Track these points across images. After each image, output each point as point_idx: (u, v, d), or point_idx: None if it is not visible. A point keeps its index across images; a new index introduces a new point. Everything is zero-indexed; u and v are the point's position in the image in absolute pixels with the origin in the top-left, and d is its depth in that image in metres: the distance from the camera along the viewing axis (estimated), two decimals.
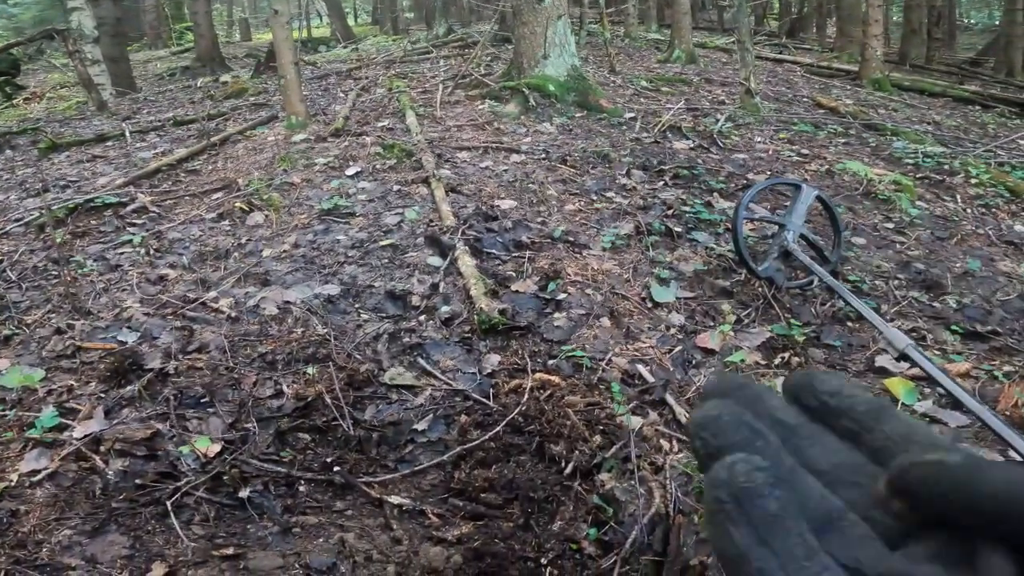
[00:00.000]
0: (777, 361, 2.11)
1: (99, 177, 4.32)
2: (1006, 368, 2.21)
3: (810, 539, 0.22)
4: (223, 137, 4.88)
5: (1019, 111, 7.32)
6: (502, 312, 2.23)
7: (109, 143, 5.33)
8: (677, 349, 2.14)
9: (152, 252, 3.04)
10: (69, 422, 1.93)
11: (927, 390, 2.06)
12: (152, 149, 4.95)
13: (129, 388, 2.09)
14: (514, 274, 2.55)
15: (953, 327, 2.42)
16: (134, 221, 3.44)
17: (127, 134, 5.41)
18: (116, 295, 2.70)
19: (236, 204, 3.44)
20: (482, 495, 1.72)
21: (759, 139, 4.59)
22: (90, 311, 2.58)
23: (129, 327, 2.43)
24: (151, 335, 2.37)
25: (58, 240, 3.23)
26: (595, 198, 3.31)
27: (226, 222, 3.28)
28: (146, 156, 4.72)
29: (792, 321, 2.31)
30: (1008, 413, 2.02)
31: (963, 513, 0.21)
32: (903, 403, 1.99)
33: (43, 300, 2.68)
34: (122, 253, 3.09)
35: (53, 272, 2.94)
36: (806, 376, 0.27)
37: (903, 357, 1.75)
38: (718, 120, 4.83)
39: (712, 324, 2.28)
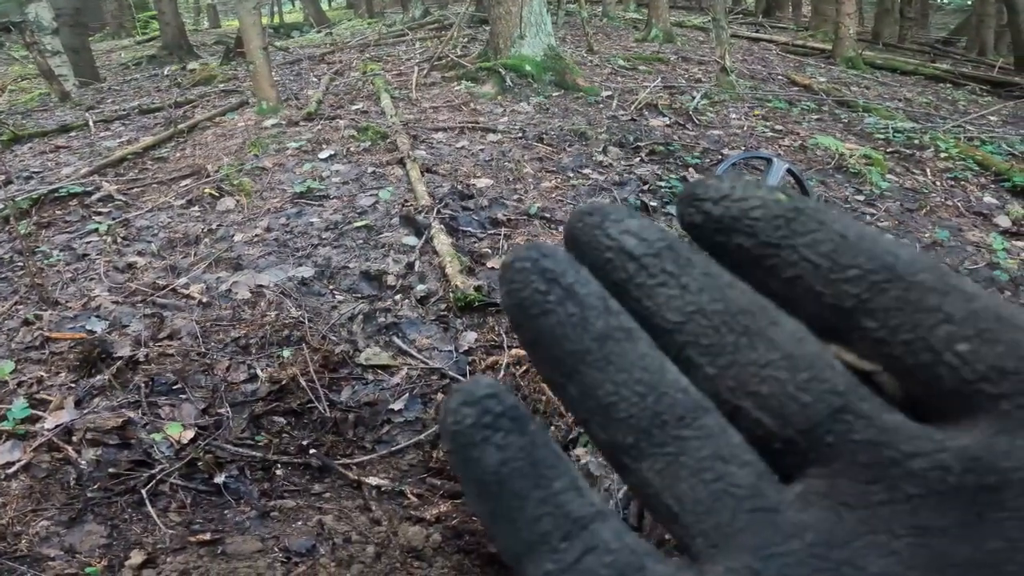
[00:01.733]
0: None
1: (63, 167, 4.20)
2: None
3: (568, 503, 0.14)
4: (191, 124, 4.77)
5: (989, 89, 7.43)
6: (478, 289, 2.23)
7: (73, 133, 5.18)
8: None
9: (120, 240, 2.98)
10: (41, 413, 1.90)
11: None
12: (117, 138, 4.82)
13: (99, 377, 2.05)
14: (490, 251, 2.54)
15: None
16: (100, 210, 3.36)
17: (91, 124, 5.27)
18: (84, 284, 2.65)
19: (206, 190, 3.37)
20: None
21: (734, 116, 4.61)
22: (58, 301, 2.53)
23: (98, 316, 2.38)
24: (120, 323, 2.32)
25: (23, 231, 3.14)
26: (571, 175, 3.30)
27: (196, 208, 3.22)
28: (111, 145, 4.60)
29: None
30: None
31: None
32: None
33: (10, 292, 2.62)
34: (89, 242, 3.02)
35: (19, 263, 2.86)
36: (688, 185, 0.17)
37: None
38: (694, 98, 4.84)
39: None
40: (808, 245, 0.15)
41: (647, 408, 0.15)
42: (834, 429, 0.14)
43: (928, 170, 3.88)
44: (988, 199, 3.60)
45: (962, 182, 3.78)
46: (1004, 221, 3.33)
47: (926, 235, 3.00)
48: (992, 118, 5.68)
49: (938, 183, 3.73)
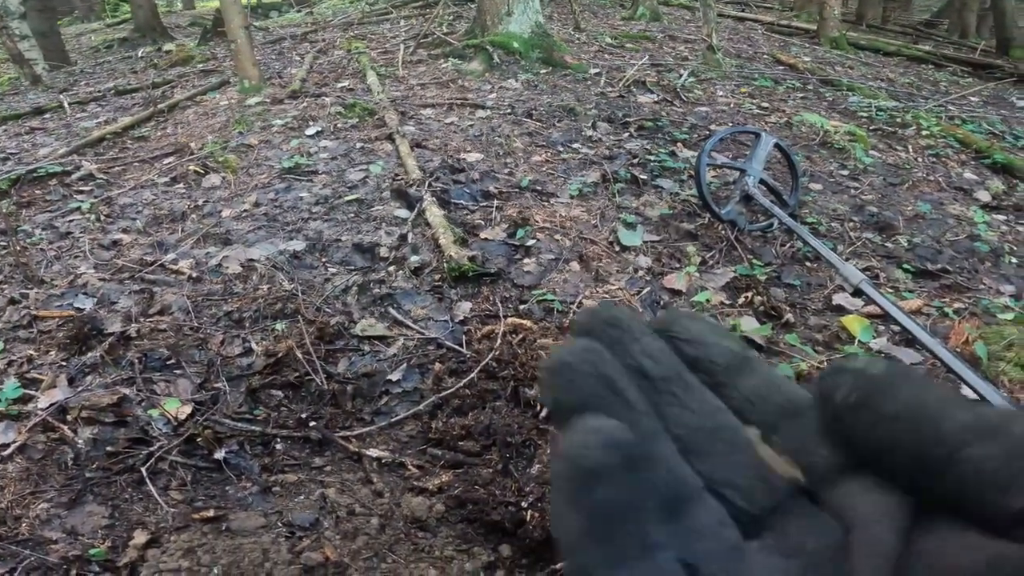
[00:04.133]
0: (741, 300, 2.17)
1: (40, 148, 4.10)
2: (956, 305, 2.31)
3: (649, 534, 0.18)
4: (172, 103, 4.66)
5: (971, 71, 7.51)
6: (472, 259, 2.23)
7: (48, 115, 5.04)
8: (645, 291, 2.18)
9: (103, 218, 2.92)
10: (33, 393, 1.86)
11: (881, 327, 2.14)
12: (94, 119, 4.71)
13: (91, 355, 2.02)
14: (483, 223, 2.54)
15: (905, 266, 2.52)
16: (81, 189, 3.29)
17: (66, 105, 5.13)
18: (69, 262, 2.60)
19: (190, 167, 3.31)
20: (460, 443, 1.73)
21: (721, 93, 4.62)
22: (43, 280, 2.48)
23: (85, 293, 2.34)
24: (109, 300, 2.29)
25: (3, 211, 3.06)
26: (561, 149, 3.30)
27: (180, 185, 3.16)
28: (88, 125, 4.49)
29: (754, 262, 2.37)
30: (959, 349, 2.12)
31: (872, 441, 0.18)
32: (859, 340, 2.07)
33: None
34: (71, 220, 2.95)
35: (1, 243, 2.80)
36: (668, 316, 0.23)
37: (858, 292, 1.82)
38: (681, 75, 4.84)
39: (678, 266, 2.32)
40: (743, 387, 0.23)
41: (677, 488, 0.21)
42: (780, 509, 0.21)
43: (910, 147, 3.94)
44: (968, 175, 3.66)
45: (943, 159, 3.84)
46: (984, 196, 3.40)
47: (909, 208, 3.05)
48: (973, 99, 5.76)
49: (920, 159, 3.79)
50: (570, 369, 0.20)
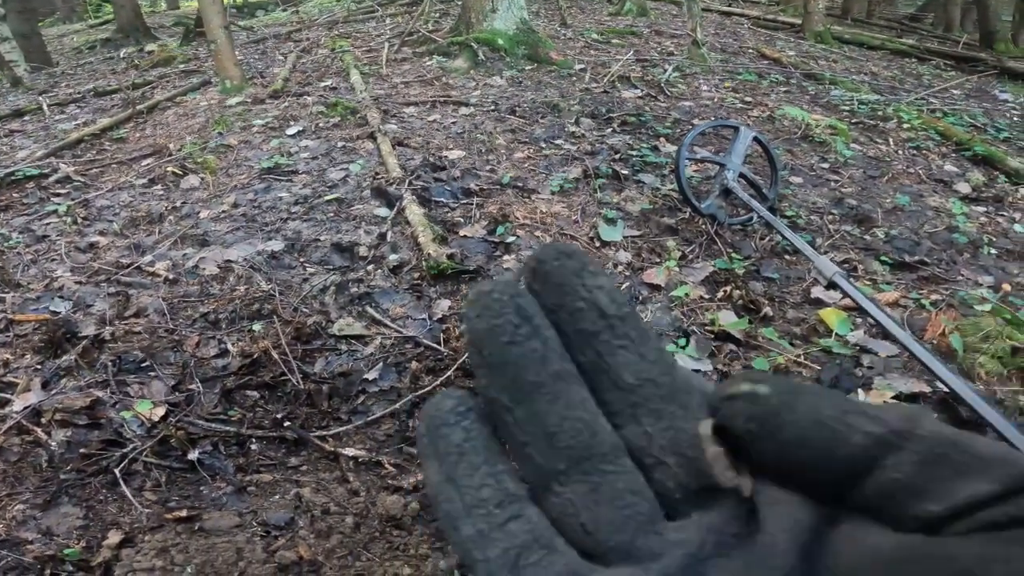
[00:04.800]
0: (720, 294, 2.17)
1: (18, 151, 4.05)
2: (933, 297, 2.32)
3: (507, 482, 0.18)
4: (151, 104, 4.62)
5: (954, 64, 7.57)
6: (451, 257, 2.22)
7: (27, 117, 4.99)
8: (625, 286, 2.18)
9: (80, 221, 2.89)
10: (8, 396, 1.85)
11: (859, 320, 2.15)
12: (73, 120, 4.66)
13: (65, 358, 2.00)
14: (463, 220, 2.53)
15: (883, 258, 2.53)
16: (58, 191, 3.25)
17: (45, 107, 5.08)
18: (45, 266, 2.57)
19: (168, 169, 3.28)
20: None
21: (705, 88, 4.63)
22: (20, 283, 2.45)
23: (61, 296, 2.32)
24: (85, 303, 2.26)
25: None
26: (544, 146, 3.29)
27: (158, 187, 3.13)
28: (67, 127, 4.44)
29: (734, 256, 2.37)
30: (935, 341, 2.13)
31: (774, 459, 0.17)
32: (837, 333, 2.08)
33: None
34: (48, 223, 2.92)
35: None
36: (541, 252, 0.20)
37: (832, 285, 1.82)
38: (666, 70, 4.84)
39: (658, 261, 2.32)
40: (629, 353, 0.20)
41: (583, 442, 0.18)
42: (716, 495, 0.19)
43: (891, 140, 3.96)
44: (949, 167, 3.69)
45: (924, 151, 3.86)
46: (964, 187, 3.43)
47: (887, 201, 3.07)
48: (955, 92, 5.81)
49: (900, 152, 3.81)
50: (488, 296, 0.19)
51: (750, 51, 6.52)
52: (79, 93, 5.57)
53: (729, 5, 10.86)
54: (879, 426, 0.16)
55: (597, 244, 2.40)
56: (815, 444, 0.16)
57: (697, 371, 1.87)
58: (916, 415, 0.17)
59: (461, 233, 2.43)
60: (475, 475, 0.18)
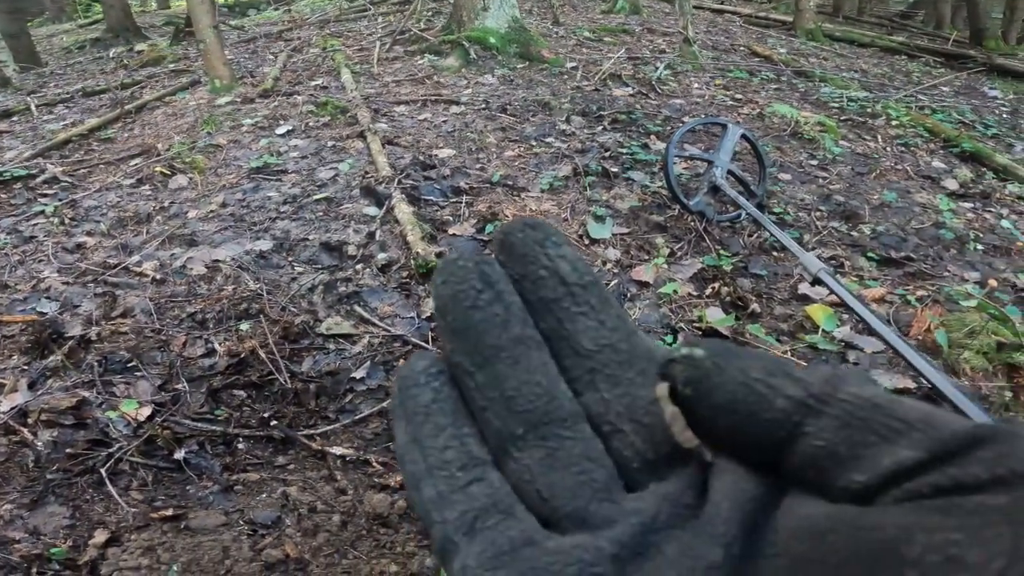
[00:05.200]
0: (708, 291, 2.18)
1: (6, 151, 4.03)
2: (919, 293, 2.34)
3: (471, 445, 0.18)
4: (139, 104, 4.60)
5: (943, 61, 7.60)
6: (440, 255, 2.22)
7: (15, 118, 4.96)
8: (613, 283, 2.18)
9: (67, 221, 2.87)
10: None
11: (846, 316, 2.16)
12: (61, 121, 4.64)
13: (52, 358, 1.99)
14: (452, 219, 2.53)
15: (869, 254, 2.54)
16: (45, 192, 3.24)
17: (33, 108, 5.04)
18: (32, 266, 2.56)
19: (156, 169, 3.26)
20: None
21: (696, 85, 4.64)
22: (7, 284, 2.44)
23: (48, 297, 2.31)
24: (71, 303, 2.25)
25: None
26: (534, 144, 3.29)
27: (146, 187, 3.12)
28: (55, 128, 4.42)
29: (722, 252, 2.38)
30: (921, 337, 2.14)
31: (706, 425, 0.17)
32: (823, 329, 2.09)
33: None
34: (35, 224, 2.91)
35: None
36: (506, 226, 0.20)
37: (817, 281, 1.83)
38: (657, 68, 4.85)
39: (647, 258, 2.33)
40: (589, 320, 0.20)
41: (540, 407, 0.18)
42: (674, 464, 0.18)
43: (879, 137, 3.98)
44: (936, 164, 3.71)
45: (912, 148, 3.89)
46: (951, 184, 3.45)
47: (875, 197, 3.08)
48: (944, 88, 5.84)
49: (888, 149, 3.83)
50: (454, 264, 0.19)
51: (741, 49, 6.54)
52: (67, 93, 5.54)
53: (721, 3, 10.88)
54: (800, 389, 0.16)
55: (586, 242, 2.41)
56: (742, 408, 0.16)
57: None
58: (840, 377, 0.16)
59: (450, 232, 2.43)
60: (440, 436, 0.18)
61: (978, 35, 8.52)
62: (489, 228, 2.45)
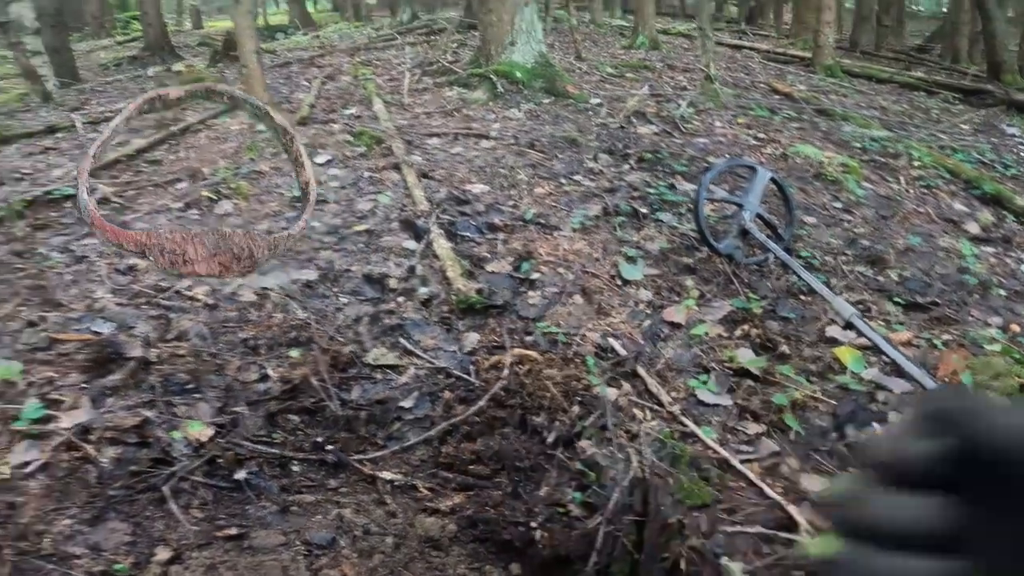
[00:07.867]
0: (738, 333, 2.26)
1: (54, 169, 4.19)
2: (945, 337, 2.40)
3: None
4: (184, 127, 4.78)
5: (962, 97, 7.68)
6: (479, 292, 2.32)
7: (60, 135, 5.15)
8: (646, 323, 2.27)
9: None
10: (55, 413, 1.93)
11: (873, 358, 2.23)
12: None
13: (112, 377, 2.09)
14: (488, 255, 2.63)
15: (895, 298, 2.62)
16: None
17: (79, 125, 5.23)
18: (86, 286, 2.68)
19: (203, 193, 3.41)
20: (470, 467, 1.80)
21: (719, 124, 4.76)
22: (61, 303, 2.56)
23: (103, 317, 2.42)
24: (127, 325, 2.36)
25: (19, 233, 3.15)
26: (564, 181, 3.41)
27: (194, 211, 3.26)
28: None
29: (750, 295, 2.47)
30: (947, 379, 2.21)
31: None
32: (851, 371, 2.16)
33: (11, 293, 2.63)
34: (86, 244, 3.03)
35: (17, 265, 2.88)
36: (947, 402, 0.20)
37: (848, 326, 1.91)
38: (680, 105, 4.98)
39: (677, 299, 2.42)
40: None
41: None
42: None
43: (902, 178, 4.06)
44: (958, 206, 3.79)
45: (934, 189, 3.96)
46: (973, 227, 3.52)
47: (899, 241, 3.16)
48: (964, 126, 5.92)
49: (911, 191, 3.91)
50: (863, 502, 0.20)
51: (762, 85, 6.68)
52: (111, 112, 5.75)
53: (739, 38, 11.08)
54: None
55: (619, 282, 2.50)
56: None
57: (717, 405, 1.95)
58: None
59: (488, 268, 2.54)
60: None
61: (996, 68, 8.58)
62: (524, 266, 2.55)
